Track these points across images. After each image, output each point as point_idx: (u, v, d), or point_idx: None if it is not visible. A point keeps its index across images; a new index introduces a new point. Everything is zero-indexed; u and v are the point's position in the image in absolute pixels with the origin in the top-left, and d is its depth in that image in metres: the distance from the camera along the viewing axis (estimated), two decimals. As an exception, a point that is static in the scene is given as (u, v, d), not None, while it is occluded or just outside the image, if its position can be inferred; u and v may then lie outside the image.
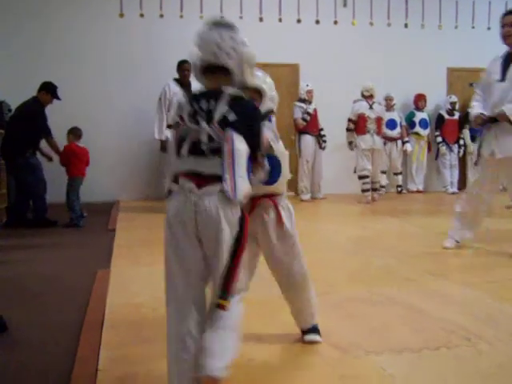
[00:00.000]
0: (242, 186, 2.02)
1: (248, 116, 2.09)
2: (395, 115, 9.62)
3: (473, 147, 9.96)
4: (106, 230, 6.14)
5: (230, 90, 2.08)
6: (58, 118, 7.19)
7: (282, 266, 2.71)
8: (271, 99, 2.60)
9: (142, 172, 8.90)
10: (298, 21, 9.11)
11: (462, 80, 10.25)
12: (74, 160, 6.73)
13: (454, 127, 9.96)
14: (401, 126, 9.64)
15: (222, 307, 2.01)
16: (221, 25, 2.18)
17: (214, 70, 2.11)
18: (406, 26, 9.54)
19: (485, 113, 4.62)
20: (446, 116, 9.91)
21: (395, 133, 9.64)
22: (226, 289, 2.02)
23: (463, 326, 2.90)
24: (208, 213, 2.01)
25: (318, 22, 9.26)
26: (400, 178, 9.88)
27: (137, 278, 3.98)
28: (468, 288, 3.65)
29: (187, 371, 2.03)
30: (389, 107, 9.55)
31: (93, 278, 3.96)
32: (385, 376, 2.32)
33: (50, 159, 6.88)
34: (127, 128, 8.75)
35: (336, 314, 3.21)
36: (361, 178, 8.54)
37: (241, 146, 2.01)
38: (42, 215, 6.59)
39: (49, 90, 6.70)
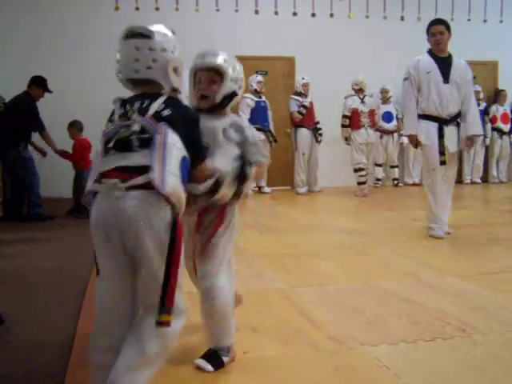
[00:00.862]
0: (172, 180, 1.79)
1: (184, 116, 1.95)
2: (391, 108, 9.62)
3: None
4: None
5: (166, 93, 2.00)
6: (56, 111, 7.18)
7: None
8: (234, 80, 2.33)
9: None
10: (294, 14, 9.10)
11: (457, 73, 10.25)
12: (86, 154, 6.73)
13: (450, 120, 9.96)
14: (397, 119, 9.65)
15: (164, 324, 1.79)
16: (137, 35, 1.99)
17: (139, 82, 2.02)
18: (402, 18, 9.54)
19: (417, 134, 5.08)
20: (443, 109, 9.90)
21: (391, 126, 9.65)
22: (164, 302, 1.79)
23: (458, 317, 2.91)
24: (127, 213, 1.78)
25: (313, 14, 9.25)
26: (396, 170, 9.89)
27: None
28: (463, 280, 3.67)
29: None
30: (385, 100, 9.56)
31: (90, 270, 3.96)
32: (380, 367, 2.33)
33: (44, 154, 6.86)
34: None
35: (331, 305, 3.22)
36: (356, 170, 8.54)
37: (175, 141, 1.84)
38: (36, 209, 6.57)
39: (40, 85, 6.65)
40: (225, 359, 2.35)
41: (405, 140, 9.70)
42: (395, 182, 9.86)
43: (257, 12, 8.97)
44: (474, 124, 5.02)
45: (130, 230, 1.79)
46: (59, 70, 8.10)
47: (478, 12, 9.80)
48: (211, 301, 2.29)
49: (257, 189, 9.00)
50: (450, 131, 4.99)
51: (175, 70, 2.03)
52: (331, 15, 9.28)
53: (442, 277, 3.76)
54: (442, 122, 4.97)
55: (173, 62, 2.01)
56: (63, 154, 6.81)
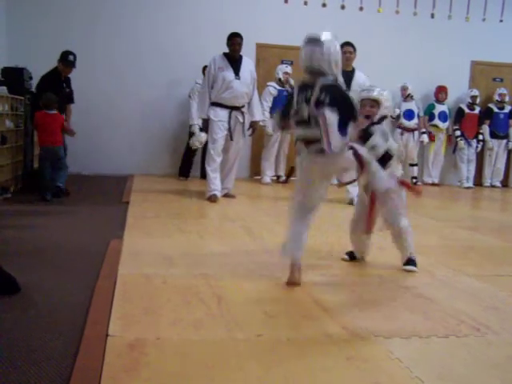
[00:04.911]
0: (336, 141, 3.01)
1: (336, 94, 3.07)
2: (413, 106, 9.53)
3: (491, 143, 9.92)
4: (119, 203, 6.17)
5: (322, 81, 3.08)
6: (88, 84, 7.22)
7: None
8: (386, 108, 3.61)
9: (160, 148, 8.97)
10: (324, 5, 8.98)
11: (485, 74, 10.13)
12: None
13: (473, 122, 9.84)
14: (418, 117, 9.58)
15: None
16: (313, 41, 3.31)
17: (312, 71, 3.19)
18: (432, 16, 9.38)
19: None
20: (467, 110, 9.80)
21: (412, 123, 9.56)
22: None
23: (473, 316, 2.89)
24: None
25: (343, 7, 9.13)
26: (415, 169, 9.80)
27: (149, 249, 4.01)
28: (479, 280, 3.64)
29: None
30: (405, 97, 9.47)
31: (106, 246, 3.99)
32: (392, 359, 2.32)
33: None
34: (151, 104, 8.80)
35: (345, 296, 3.21)
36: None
37: (332, 116, 2.98)
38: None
39: (61, 59, 6.55)
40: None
41: (425, 138, 9.65)
42: (414, 180, 9.78)
43: (286, 1, 8.88)
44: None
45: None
46: (84, 43, 8.15)
47: (509, 13, 9.65)
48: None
49: (275, 178, 8.99)
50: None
51: (335, 62, 3.21)
52: (361, 8, 9.14)
53: (457, 275, 3.74)
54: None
55: (332, 57, 3.22)
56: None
